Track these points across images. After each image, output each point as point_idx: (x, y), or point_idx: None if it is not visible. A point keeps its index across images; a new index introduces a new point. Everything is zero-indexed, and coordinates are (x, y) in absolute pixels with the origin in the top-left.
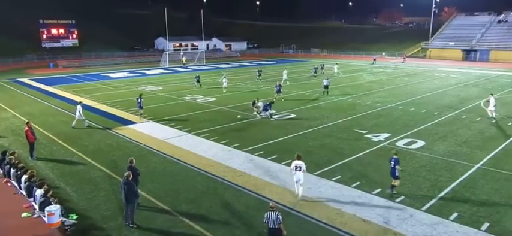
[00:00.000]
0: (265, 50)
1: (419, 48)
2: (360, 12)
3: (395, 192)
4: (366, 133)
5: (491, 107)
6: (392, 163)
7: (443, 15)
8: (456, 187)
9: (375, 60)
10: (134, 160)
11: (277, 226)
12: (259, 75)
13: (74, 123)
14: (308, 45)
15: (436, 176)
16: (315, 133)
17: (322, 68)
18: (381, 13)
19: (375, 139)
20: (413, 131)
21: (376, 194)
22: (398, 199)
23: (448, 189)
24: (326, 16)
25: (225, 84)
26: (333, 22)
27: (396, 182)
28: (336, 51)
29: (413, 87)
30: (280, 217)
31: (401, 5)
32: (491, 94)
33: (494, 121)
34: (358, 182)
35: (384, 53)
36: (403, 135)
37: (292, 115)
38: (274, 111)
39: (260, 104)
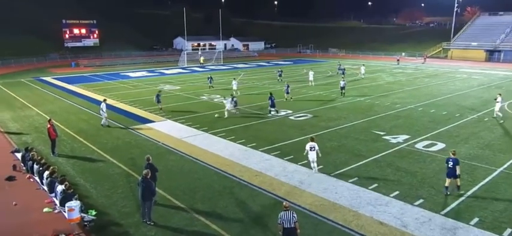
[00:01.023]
0: (283, 50)
1: (441, 49)
2: (380, 11)
3: (462, 191)
4: (384, 135)
5: (497, 107)
6: (451, 163)
7: (465, 15)
8: (477, 191)
9: (398, 60)
10: (151, 158)
11: (293, 225)
12: (280, 75)
13: (103, 121)
14: (326, 45)
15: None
16: (332, 133)
17: (343, 73)
18: (401, 13)
19: (394, 140)
20: (433, 133)
21: (394, 197)
22: (417, 202)
23: (468, 193)
24: (345, 16)
25: (235, 87)
26: (351, 22)
27: (459, 181)
28: (355, 51)
29: (434, 88)
30: (296, 216)
31: (422, 5)
32: (499, 94)
33: (502, 121)
34: (375, 185)
35: (403, 54)
36: (422, 137)
37: (310, 116)
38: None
39: (227, 101)
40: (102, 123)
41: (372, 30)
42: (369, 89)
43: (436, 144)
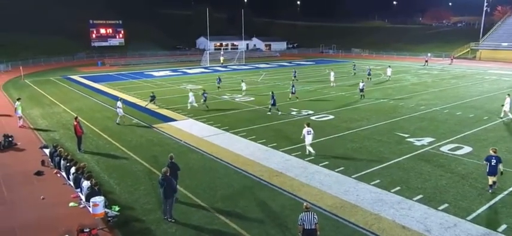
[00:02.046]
0: (305, 50)
1: (468, 49)
2: (405, 11)
3: (496, 187)
4: (408, 137)
5: (506, 107)
6: (495, 161)
7: (495, 15)
8: (506, 197)
9: (426, 61)
10: (173, 157)
11: (313, 227)
12: (295, 76)
13: (117, 119)
14: (349, 46)
15: (483, 184)
16: (353, 135)
17: (369, 74)
18: (427, 12)
19: (418, 143)
20: (459, 136)
21: (418, 201)
22: (441, 207)
23: (496, 199)
24: (368, 16)
25: (244, 88)
26: (375, 22)
27: (495, 178)
28: (379, 52)
29: (461, 90)
30: (317, 217)
31: (450, 4)
32: (508, 95)
33: (510, 120)
34: (398, 188)
35: (429, 54)
36: (448, 140)
37: (331, 117)
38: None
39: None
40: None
41: (397, 30)
42: (392, 90)
43: (462, 147)
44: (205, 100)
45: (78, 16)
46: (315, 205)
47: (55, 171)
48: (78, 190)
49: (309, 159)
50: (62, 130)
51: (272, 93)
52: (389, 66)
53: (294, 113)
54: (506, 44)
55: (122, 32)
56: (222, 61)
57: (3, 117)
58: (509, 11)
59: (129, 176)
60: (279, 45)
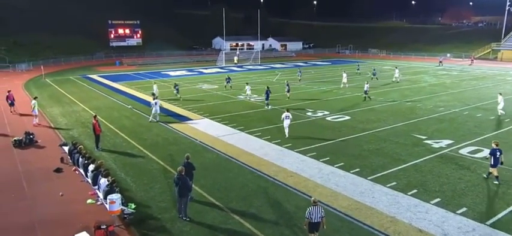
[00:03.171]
0: (321, 50)
1: (490, 50)
2: (424, 11)
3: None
4: (425, 139)
5: (500, 106)
6: (499, 153)
7: None
8: None
9: (441, 62)
10: (190, 156)
11: (319, 220)
12: (299, 76)
13: (151, 118)
14: (366, 46)
15: (504, 188)
16: (370, 136)
17: (374, 74)
18: (447, 12)
19: (436, 145)
20: (479, 139)
21: (435, 204)
22: (460, 211)
23: None
24: (386, 15)
25: (248, 91)
26: (393, 22)
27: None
28: (396, 52)
29: (481, 91)
30: (323, 212)
31: (470, 4)
32: (500, 93)
33: (501, 115)
34: (415, 190)
35: (448, 55)
36: (467, 143)
37: (347, 117)
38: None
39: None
40: (150, 119)
41: (415, 30)
42: (410, 91)
43: (482, 150)
44: (177, 92)
45: (97, 17)
46: (329, 206)
47: (73, 168)
48: (96, 187)
49: (324, 159)
50: (81, 129)
51: (267, 88)
52: (396, 67)
53: (309, 113)
54: None
55: (140, 32)
56: (235, 61)
57: (24, 116)
58: None
59: (145, 174)
60: (295, 45)
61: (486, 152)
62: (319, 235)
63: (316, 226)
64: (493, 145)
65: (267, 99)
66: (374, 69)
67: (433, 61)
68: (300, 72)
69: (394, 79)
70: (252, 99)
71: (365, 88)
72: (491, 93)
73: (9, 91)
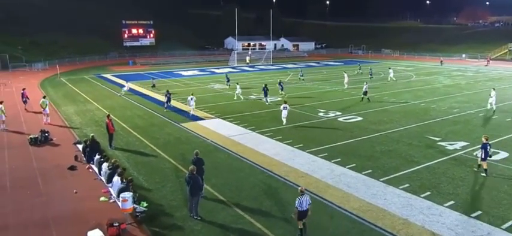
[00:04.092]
0: (333, 50)
1: (506, 50)
2: (439, 10)
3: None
4: (439, 141)
5: (492, 99)
6: (489, 147)
7: None
8: None
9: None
10: (199, 153)
11: (307, 208)
12: (301, 75)
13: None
14: (379, 46)
15: None
16: (382, 137)
17: (371, 75)
18: (462, 12)
19: (450, 147)
20: (495, 141)
21: (449, 207)
22: (474, 214)
23: None
24: (400, 15)
25: (238, 91)
26: (407, 22)
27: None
28: (410, 52)
29: (498, 92)
30: (310, 200)
31: (487, 3)
32: (493, 88)
33: (492, 110)
34: (428, 192)
35: (464, 55)
36: None
37: (359, 118)
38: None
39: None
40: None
41: (430, 30)
42: (424, 92)
43: (498, 153)
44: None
45: (111, 17)
46: (340, 208)
47: (87, 166)
48: (110, 185)
49: (335, 160)
50: (95, 127)
51: (265, 85)
52: (390, 68)
53: (321, 114)
54: None
55: (153, 32)
56: (247, 61)
57: (40, 114)
58: None
59: (157, 173)
60: (307, 46)
61: (503, 154)
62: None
63: (304, 214)
64: (483, 140)
65: (265, 95)
66: (371, 69)
67: (447, 62)
68: (301, 72)
69: (389, 79)
70: (264, 99)
71: (364, 89)
72: (508, 94)
73: (24, 89)
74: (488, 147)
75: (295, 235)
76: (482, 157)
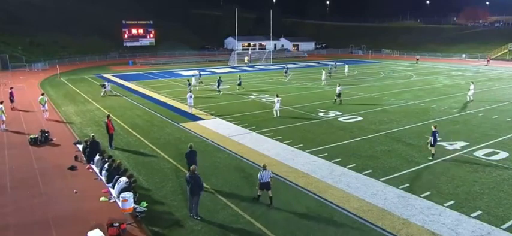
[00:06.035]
0: (333, 50)
1: (507, 50)
2: (439, 10)
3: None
4: (439, 141)
5: (470, 92)
6: (437, 134)
7: None
8: None
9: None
10: (193, 145)
11: (268, 180)
12: (286, 72)
13: (277, 112)
14: (379, 46)
15: None
16: (382, 137)
17: (334, 68)
18: (462, 12)
19: (450, 147)
20: (495, 141)
21: (449, 207)
22: (474, 214)
23: None
24: (400, 15)
25: (216, 87)
26: (407, 22)
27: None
28: (410, 52)
29: (498, 92)
30: (271, 173)
31: (487, 3)
32: (472, 82)
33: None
34: (428, 193)
35: (464, 55)
36: (482, 145)
37: (359, 118)
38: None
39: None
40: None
41: (430, 30)
42: (423, 92)
43: (498, 153)
44: (105, 91)
45: (111, 17)
46: (341, 208)
47: (87, 166)
48: (110, 185)
49: (335, 160)
50: (95, 127)
51: (219, 78)
52: (346, 64)
53: (321, 114)
54: None
55: (153, 32)
56: (246, 61)
57: (40, 113)
58: None
59: (157, 173)
60: (307, 45)
61: (503, 154)
62: None
63: (266, 185)
64: (433, 128)
65: (218, 86)
66: (332, 69)
67: (447, 62)
68: (286, 68)
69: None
70: (263, 99)
71: (337, 91)
72: (508, 94)
73: (11, 88)
74: (437, 135)
75: (255, 195)
76: (432, 143)
